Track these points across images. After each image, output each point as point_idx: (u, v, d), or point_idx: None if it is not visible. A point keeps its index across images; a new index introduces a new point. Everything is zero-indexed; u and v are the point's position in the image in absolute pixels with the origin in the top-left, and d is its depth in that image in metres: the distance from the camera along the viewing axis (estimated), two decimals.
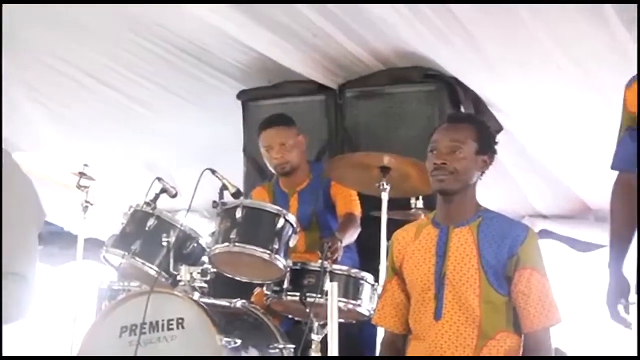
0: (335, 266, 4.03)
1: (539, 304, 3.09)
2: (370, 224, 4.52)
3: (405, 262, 3.26)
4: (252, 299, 4.35)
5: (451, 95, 4.97)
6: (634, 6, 3.89)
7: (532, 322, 3.09)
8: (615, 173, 3.51)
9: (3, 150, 2.38)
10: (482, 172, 3.25)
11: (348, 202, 4.56)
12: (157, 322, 3.79)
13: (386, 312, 3.30)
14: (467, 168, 3.16)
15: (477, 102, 5.07)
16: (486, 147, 3.23)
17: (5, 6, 4.32)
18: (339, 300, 3.81)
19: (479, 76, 4.88)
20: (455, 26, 4.27)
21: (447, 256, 3.15)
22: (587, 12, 3.97)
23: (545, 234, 6.34)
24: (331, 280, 3.89)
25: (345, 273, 4.05)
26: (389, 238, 4.13)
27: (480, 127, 3.29)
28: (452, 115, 3.46)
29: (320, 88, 5.25)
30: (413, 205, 4.45)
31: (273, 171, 4.73)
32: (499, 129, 5.14)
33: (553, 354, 3.14)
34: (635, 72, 3.53)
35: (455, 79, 4.93)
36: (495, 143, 3.34)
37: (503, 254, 3.10)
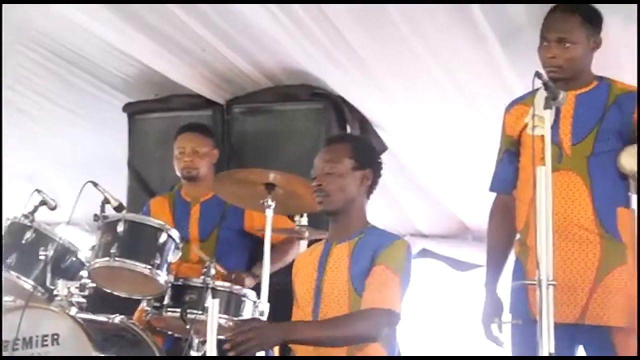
0: (217, 282, 4.02)
1: (377, 289, 3.09)
2: (254, 239, 4.57)
3: (295, 279, 3.36)
4: (134, 316, 4.29)
5: (338, 114, 5.01)
6: (510, 22, 3.98)
7: (365, 302, 3.09)
8: (494, 194, 3.61)
9: None
10: (369, 188, 3.32)
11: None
12: (30, 338, 3.70)
13: None
14: (342, 186, 3.23)
15: (363, 122, 5.13)
16: (364, 162, 3.29)
17: None
18: (220, 317, 3.78)
19: (364, 95, 4.95)
20: (341, 44, 4.32)
21: (325, 272, 3.22)
22: (464, 28, 4.04)
23: (425, 253, 6.45)
24: (213, 297, 3.87)
25: (228, 290, 4.04)
26: None
27: (355, 144, 3.36)
28: (328, 138, 3.54)
29: (208, 103, 5.22)
30: (297, 222, 4.47)
31: (179, 174, 4.72)
32: (384, 148, 5.21)
33: (378, 336, 3.08)
34: (512, 95, 3.66)
35: (342, 98, 4.98)
36: (377, 157, 3.41)
37: (368, 262, 3.15)
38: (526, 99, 3.47)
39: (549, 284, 2.87)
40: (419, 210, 6.19)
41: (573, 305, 3.25)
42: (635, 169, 3.29)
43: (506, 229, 3.52)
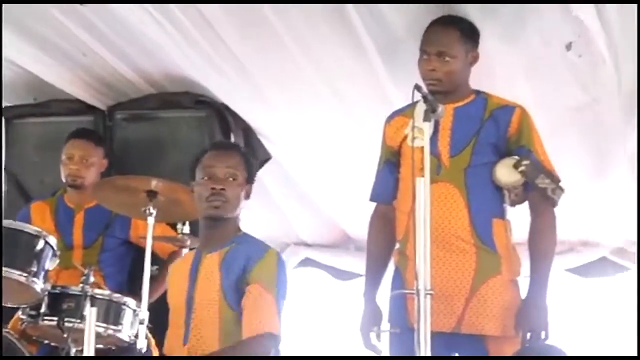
0: (97, 290, 3.97)
1: (255, 313, 3.12)
2: (137, 248, 4.55)
3: (169, 289, 3.38)
4: (9, 324, 4.18)
5: (222, 122, 5.00)
6: (390, 33, 4.03)
7: (246, 330, 3.12)
8: (374, 204, 3.66)
9: None
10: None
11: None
12: None
13: None
14: (239, 196, 3.29)
15: (247, 130, 5.13)
16: (251, 177, 3.37)
17: None
18: (99, 326, 3.73)
19: (248, 104, 4.94)
20: (224, 52, 4.31)
21: (196, 282, 3.23)
22: (343, 37, 4.07)
23: (308, 262, 6.48)
24: (92, 305, 3.81)
25: (107, 298, 3.99)
26: (153, 262, 4.16)
27: (247, 157, 3.41)
28: (221, 143, 3.56)
29: (89, 108, 5.14)
30: (180, 230, 4.44)
31: (64, 180, 4.64)
32: (268, 157, 5.23)
33: None
34: (392, 106, 3.71)
35: (226, 106, 4.97)
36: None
37: (240, 274, 3.17)
38: (406, 111, 3.54)
39: (426, 294, 2.92)
40: (302, 220, 6.21)
41: (449, 315, 3.32)
42: (510, 181, 3.40)
43: (386, 239, 3.57)
